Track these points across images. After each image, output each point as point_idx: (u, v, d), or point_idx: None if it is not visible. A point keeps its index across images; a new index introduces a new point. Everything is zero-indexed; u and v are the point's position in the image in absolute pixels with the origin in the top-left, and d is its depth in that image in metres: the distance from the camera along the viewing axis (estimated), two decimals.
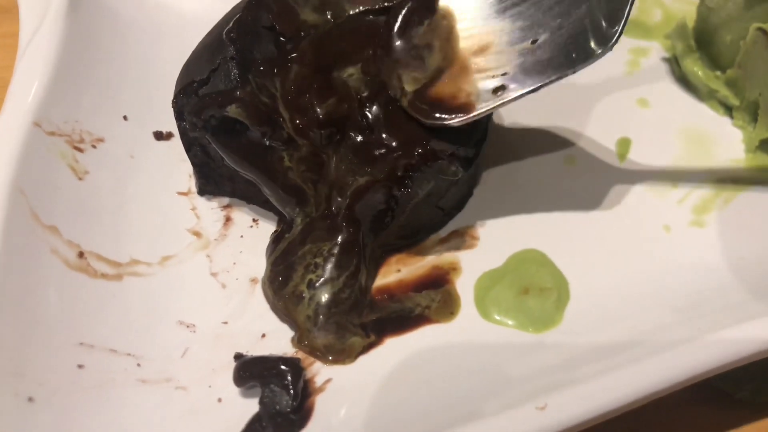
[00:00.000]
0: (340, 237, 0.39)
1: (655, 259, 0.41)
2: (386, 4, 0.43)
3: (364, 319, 0.39)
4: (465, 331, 0.38)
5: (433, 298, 0.40)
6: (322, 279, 0.39)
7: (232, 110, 0.39)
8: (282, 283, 0.39)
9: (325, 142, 0.40)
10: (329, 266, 0.39)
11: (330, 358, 0.38)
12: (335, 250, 0.39)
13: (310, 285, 0.39)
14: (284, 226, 0.42)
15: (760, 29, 0.45)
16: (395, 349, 0.38)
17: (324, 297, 0.39)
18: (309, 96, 0.40)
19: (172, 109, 0.42)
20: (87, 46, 0.46)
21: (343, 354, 0.38)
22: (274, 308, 0.40)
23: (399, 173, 0.39)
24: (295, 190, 0.40)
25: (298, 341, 0.38)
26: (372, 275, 0.41)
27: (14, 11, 0.48)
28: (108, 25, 0.49)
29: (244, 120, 0.39)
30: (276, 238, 0.42)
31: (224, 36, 0.40)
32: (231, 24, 0.40)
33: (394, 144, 0.40)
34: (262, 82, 0.40)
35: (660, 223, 0.43)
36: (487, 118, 0.44)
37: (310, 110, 0.40)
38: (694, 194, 0.45)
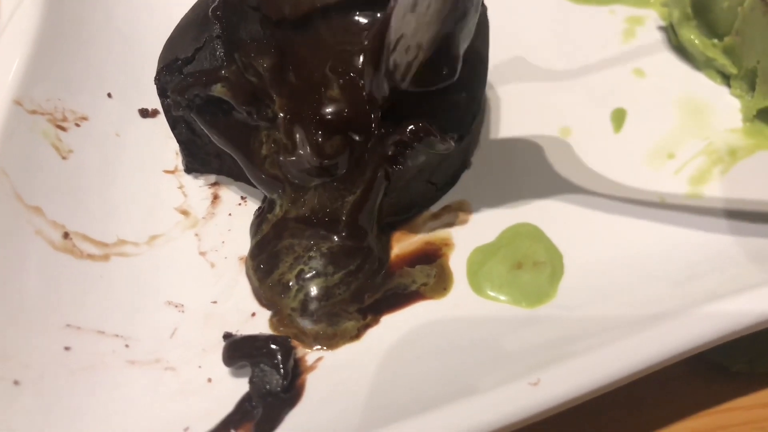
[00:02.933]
0: (343, 242, 0.38)
1: (650, 231, 0.40)
2: None
3: (365, 304, 0.38)
4: (458, 306, 0.38)
5: (428, 274, 0.39)
6: (314, 272, 0.38)
7: (218, 89, 0.38)
8: (266, 270, 0.39)
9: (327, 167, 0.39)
10: (325, 262, 0.38)
11: (317, 345, 0.37)
12: (336, 251, 0.38)
13: (300, 276, 0.38)
14: (266, 205, 0.41)
15: None
16: (387, 326, 0.37)
17: (315, 290, 0.38)
18: (310, 106, 0.39)
19: (155, 85, 0.41)
20: (69, 21, 0.45)
21: (333, 339, 0.37)
22: (257, 293, 0.39)
23: (390, 152, 0.38)
24: (274, 176, 0.40)
25: (278, 323, 0.38)
26: (386, 252, 0.40)
27: None
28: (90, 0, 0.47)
29: (229, 99, 0.38)
30: (259, 217, 0.41)
31: (210, 13, 0.38)
32: (217, 2, 0.39)
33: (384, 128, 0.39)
34: (248, 62, 0.39)
35: (656, 194, 0.43)
36: (480, 91, 0.43)
37: (312, 121, 0.38)
38: (691, 165, 0.44)
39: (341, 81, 0.40)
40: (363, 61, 0.39)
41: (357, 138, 0.38)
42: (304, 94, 0.39)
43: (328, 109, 0.38)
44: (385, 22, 0.35)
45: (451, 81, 0.37)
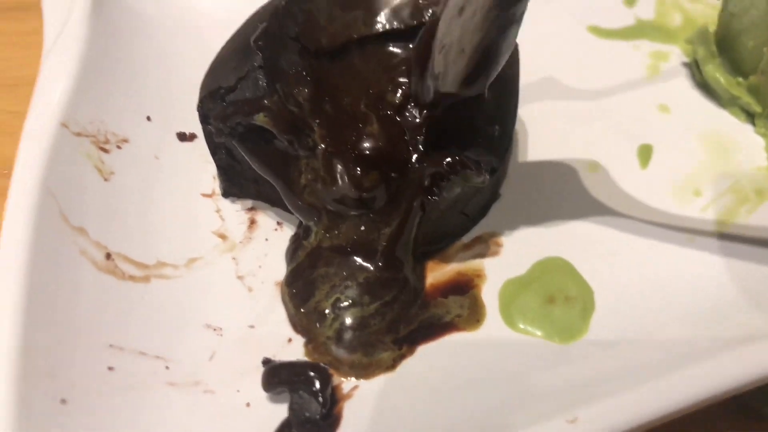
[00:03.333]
0: (380, 273, 0.39)
1: (680, 268, 0.41)
2: (401, 26, 0.43)
3: (401, 335, 0.39)
4: (491, 339, 0.39)
5: (462, 305, 0.40)
6: (350, 301, 0.39)
7: (260, 118, 0.39)
8: (302, 297, 0.39)
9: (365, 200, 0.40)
10: (361, 291, 0.39)
11: (352, 374, 0.37)
12: (372, 281, 0.39)
13: (336, 305, 0.39)
14: (302, 231, 0.42)
15: None
16: (421, 356, 0.38)
17: (350, 319, 0.39)
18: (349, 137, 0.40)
19: (198, 112, 0.42)
20: (110, 45, 0.46)
21: (368, 369, 0.37)
22: (292, 320, 0.40)
23: (427, 183, 0.39)
24: (311, 205, 0.41)
25: (313, 350, 0.38)
26: (422, 282, 0.41)
27: (34, 9, 0.48)
28: (130, 24, 0.48)
29: (270, 128, 0.39)
30: (294, 243, 0.42)
31: (252, 43, 0.40)
32: (258, 32, 0.40)
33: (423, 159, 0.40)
34: (288, 91, 0.40)
35: (684, 231, 0.43)
36: (512, 124, 0.44)
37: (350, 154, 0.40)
38: (718, 202, 0.45)
39: (380, 114, 0.41)
40: (410, 64, 0.40)
41: (395, 172, 0.39)
42: (342, 126, 0.41)
43: (367, 144, 0.39)
44: (433, 27, 0.36)
45: (482, 91, 0.38)
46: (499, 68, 0.37)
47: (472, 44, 0.35)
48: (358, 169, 0.39)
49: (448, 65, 0.37)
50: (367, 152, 0.39)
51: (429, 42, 0.37)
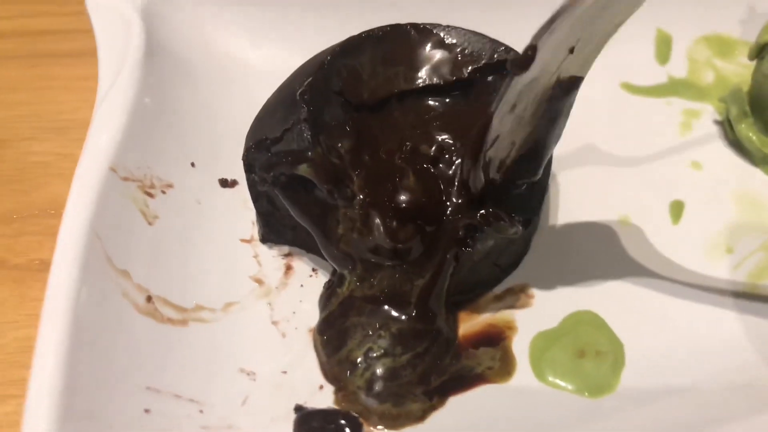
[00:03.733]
0: (412, 324, 0.40)
1: (711, 326, 0.41)
2: (440, 81, 0.45)
3: (432, 386, 0.39)
4: (521, 392, 0.39)
5: (493, 357, 0.40)
6: (382, 351, 0.39)
7: (303, 169, 0.40)
8: (335, 346, 0.40)
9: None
10: (394, 342, 0.39)
11: (382, 424, 0.37)
12: (405, 332, 0.40)
13: (368, 355, 0.39)
14: (336, 279, 0.43)
15: None
16: (451, 408, 0.38)
17: (381, 369, 0.39)
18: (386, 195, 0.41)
19: (242, 161, 0.43)
20: (159, 93, 0.48)
21: (398, 420, 0.38)
22: (323, 368, 0.40)
23: (461, 234, 0.40)
24: (347, 254, 0.42)
25: (342, 398, 0.39)
26: (455, 332, 0.41)
27: (88, 55, 0.50)
28: (180, 74, 0.51)
29: (312, 178, 0.40)
30: (328, 290, 0.43)
31: (298, 97, 0.41)
32: (304, 86, 0.41)
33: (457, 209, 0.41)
34: (331, 144, 0.41)
35: (716, 289, 0.43)
36: (546, 177, 0.45)
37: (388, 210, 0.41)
38: (750, 260, 0.45)
39: (417, 167, 0.42)
40: (463, 155, 0.41)
41: (430, 224, 0.40)
42: (380, 177, 0.42)
43: (403, 197, 0.41)
44: (487, 121, 0.37)
45: (535, 179, 0.39)
46: (546, 159, 0.39)
47: (522, 136, 0.36)
48: (394, 221, 0.40)
49: (497, 157, 0.39)
50: (404, 205, 0.40)
51: (482, 135, 0.38)
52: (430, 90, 0.46)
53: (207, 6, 0.54)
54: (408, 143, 0.43)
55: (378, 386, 0.39)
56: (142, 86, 0.47)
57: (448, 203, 0.41)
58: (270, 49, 0.55)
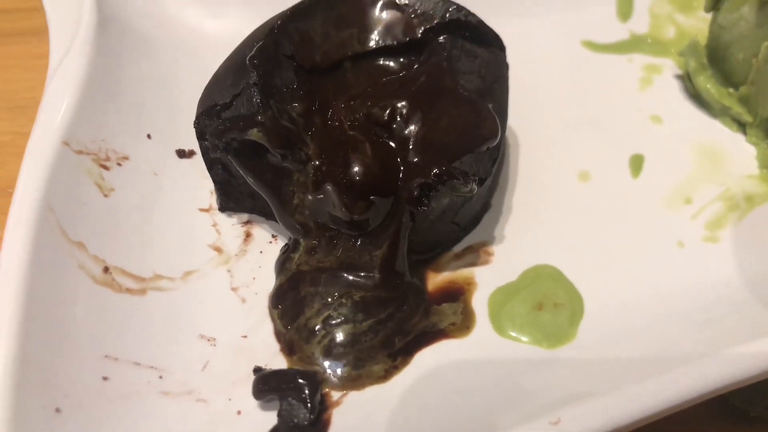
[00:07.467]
0: (378, 290, 0.40)
1: (669, 274, 0.42)
2: (393, 42, 0.45)
3: (396, 348, 0.39)
4: (480, 346, 0.39)
5: (455, 311, 0.40)
6: (342, 318, 0.39)
7: (254, 134, 0.40)
8: (292, 316, 0.40)
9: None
10: (356, 309, 0.39)
11: (341, 386, 0.37)
12: (369, 299, 0.39)
13: (327, 322, 0.39)
14: (291, 242, 0.43)
15: None
16: (411, 364, 0.38)
17: (341, 336, 0.39)
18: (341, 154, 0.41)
19: (194, 129, 0.43)
20: (113, 66, 0.48)
21: (359, 381, 0.38)
22: (278, 337, 0.40)
23: (415, 193, 0.40)
24: (302, 223, 0.42)
25: (298, 360, 0.39)
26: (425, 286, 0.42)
27: (43, 33, 0.49)
28: (133, 45, 0.50)
29: (264, 143, 0.40)
30: (284, 255, 0.43)
31: (247, 62, 0.41)
32: (254, 51, 0.41)
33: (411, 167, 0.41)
34: (282, 108, 0.41)
35: (674, 238, 0.44)
36: (501, 135, 0.45)
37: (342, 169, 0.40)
38: (708, 210, 0.45)
39: (372, 133, 0.42)
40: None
41: (385, 191, 0.40)
42: (335, 141, 0.42)
43: (358, 168, 0.40)
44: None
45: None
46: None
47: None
48: (351, 193, 0.39)
49: None
50: (359, 177, 0.40)
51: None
52: (383, 51, 0.45)
53: None
54: (362, 106, 0.43)
55: (336, 351, 0.38)
56: (95, 59, 0.46)
57: (402, 167, 0.41)
58: (227, 19, 0.54)
